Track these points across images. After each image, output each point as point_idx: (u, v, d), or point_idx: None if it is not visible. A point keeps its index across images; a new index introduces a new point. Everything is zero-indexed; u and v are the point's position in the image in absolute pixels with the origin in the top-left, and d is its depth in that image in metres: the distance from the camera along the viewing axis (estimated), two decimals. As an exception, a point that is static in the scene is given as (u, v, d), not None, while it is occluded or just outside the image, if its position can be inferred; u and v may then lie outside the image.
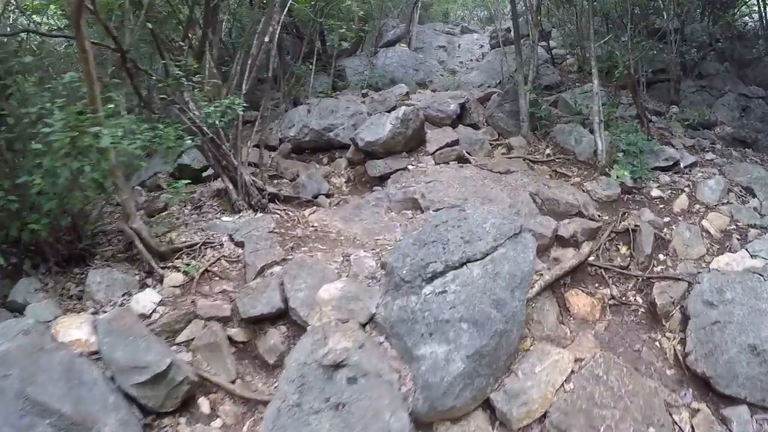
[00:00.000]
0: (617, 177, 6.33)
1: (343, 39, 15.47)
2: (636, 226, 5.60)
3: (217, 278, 5.15)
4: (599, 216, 6.03)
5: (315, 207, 7.43)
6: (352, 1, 14.56)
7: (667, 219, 5.93)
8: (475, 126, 9.01)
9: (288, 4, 7.77)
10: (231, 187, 6.73)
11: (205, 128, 6.05)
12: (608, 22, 11.95)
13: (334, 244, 6.14)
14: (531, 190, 6.22)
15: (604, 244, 5.53)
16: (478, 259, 4.12)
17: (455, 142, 7.93)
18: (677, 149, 7.38)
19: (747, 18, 13.27)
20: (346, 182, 8.11)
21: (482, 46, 15.79)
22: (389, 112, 9.32)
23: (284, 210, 7.01)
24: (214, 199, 7.14)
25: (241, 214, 6.57)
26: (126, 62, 5.51)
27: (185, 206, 7.04)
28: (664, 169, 6.94)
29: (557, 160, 7.63)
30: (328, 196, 7.71)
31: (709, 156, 7.43)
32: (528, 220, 5.64)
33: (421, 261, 4.21)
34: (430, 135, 8.09)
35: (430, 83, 13.62)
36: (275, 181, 8.33)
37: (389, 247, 5.80)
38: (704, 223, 5.82)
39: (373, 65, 14.37)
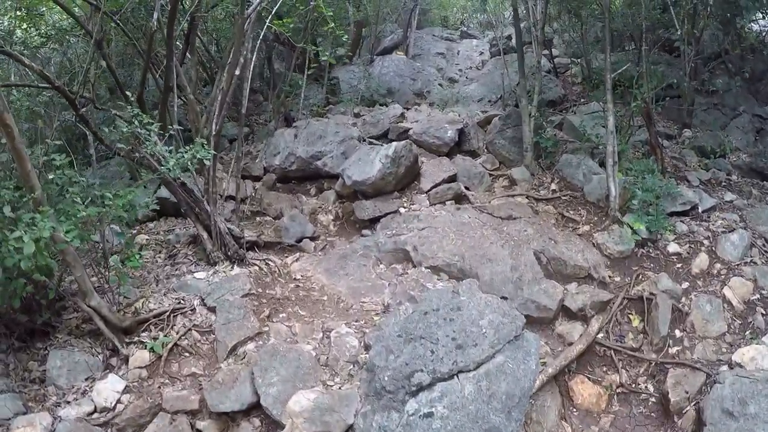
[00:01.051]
0: (632, 230, 5.55)
1: (340, 45, 14.69)
2: (652, 294, 4.83)
3: (186, 354, 4.58)
4: (610, 277, 5.25)
5: (299, 253, 6.70)
6: (349, 6, 13.72)
7: (685, 285, 5.09)
8: (474, 153, 8.19)
9: (265, 30, 6.89)
10: (205, 236, 5.97)
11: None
12: (613, 35, 11.06)
13: (316, 308, 5.43)
14: (535, 246, 5.41)
15: (616, 315, 4.79)
16: (471, 370, 3.37)
17: (452, 178, 7.12)
18: (694, 189, 6.55)
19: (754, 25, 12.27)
20: (334, 220, 7.35)
21: (482, 52, 14.84)
22: (381, 137, 8.60)
23: (264, 260, 6.32)
24: (189, 247, 6.41)
25: (216, 267, 5.89)
26: (77, 111, 4.77)
27: (160, 253, 6.39)
28: (681, 214, 6.15)
29: (564, 198, 6.83)
30: (313, 239, 6.97)
31: (728, 196, 6.60)
32: (531, 287, 4.88)
33: (405, 366, 3.46)
34: (426, 167, 7.28)
35: (428, 94, 12.77)
36: (258, 219, 7.61)
37: (376, 316, 5.11)
38: (726, 291, 5.00)
39: (369, 75, 13.52)
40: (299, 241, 6.92)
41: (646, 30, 8.94)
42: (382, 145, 7.16)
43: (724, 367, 4.30)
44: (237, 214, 6.82)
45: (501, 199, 6.77)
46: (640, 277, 5.19)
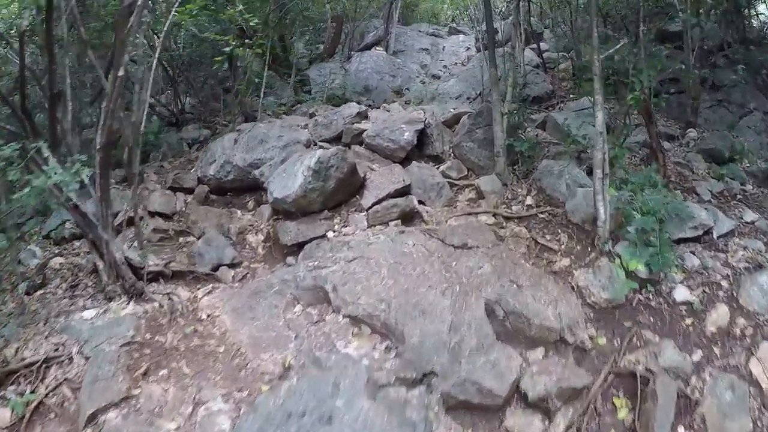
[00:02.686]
0: (626, 271, 3.86)
1: (317, 43, 13.04)
2: (648, 372, 3.15)
3: (52, 415, 3.56)
4: (592, 340, 3.54)
5: (213, 284, 5.13)
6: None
7: (697, 355, 3.37)
8: (437, 159, 6.51)
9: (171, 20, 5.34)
10: (101, 266, 4.65)
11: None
12: (608, 23, 9.26)
13: (205, 363, 4.00)
14: (490, 293, 3.66)
15: (594, 403, 3.13)
16: None
17: (404, 190, 5.46)
18: (705, 205, 4.85)
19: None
20: (264, 241, 5.71)
21: (469, 48, 13.07)
22: (334, 141, 6.96)
23: (169, 294, 4.84)
24: (92, 276, 5.09)
25: (111, 304, 4.54)
26: None
27: (67, 280, 5.14)
28: (691, 240, 4.44)
29: (541, 216, 5.12)
30: (233, 266, 5.36)
31: (748, 216, 4.84)
32: (475, 360, 3.19)
33: None
34: (373, 177, 5.62)
35: (407, 91, 11.10)
36: (180, 240, 6.03)
37: (266, 385, 3.54)
38: (753, 365, 3.28)
39: (345, 72, 11.86)
40: (216, 269, 5.35)
41: (642, 17, 7.22)
42: (321, 149, 5.51)
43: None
44: (139, 240, 5.28)
45: (460, 219, 5.09)
46: (634, 339, 3.48)
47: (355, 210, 5.21)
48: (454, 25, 15.31)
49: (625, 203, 4.26)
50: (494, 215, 5.19)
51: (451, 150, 6.55)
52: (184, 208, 6.51)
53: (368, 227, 4.95)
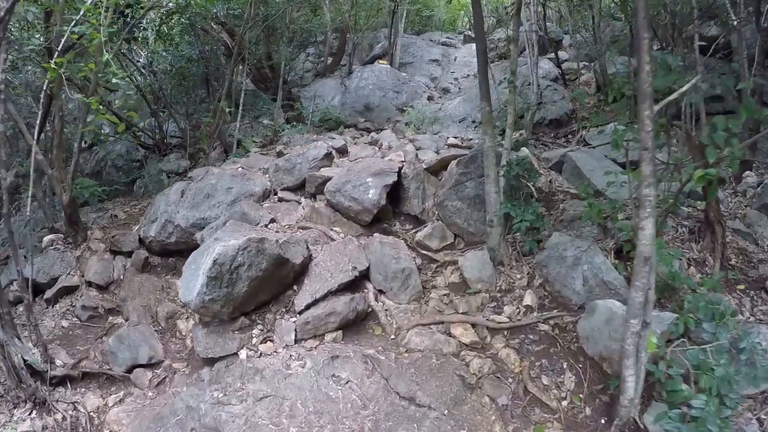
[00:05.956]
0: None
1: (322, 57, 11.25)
2: None
3: None
4: None
5: (125, 390, 3.72)
6: (325, 11, 10.24)
7: None
8: (417, 219, 4.71)
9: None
10: (3, 368, 3.57)
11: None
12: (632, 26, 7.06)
13: None
14: None
15: None
16: None
17: (361, 276, 3.76)
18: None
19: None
20: (200, 325, 4.19)
21: (481, 58, 11.03)
22: (296, 190, 5.29)
23: (74, 403, 3.69)
24: None
25: (15, 411, 3.54)
26: None
27: None
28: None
29: (542, 328, 3.27)
30: (151, 365, 3.90)
31: None
32: None
33: None
34: (320, 257, 3.86)
35: (410, 110, 9.26)
36: (109, 320, 4.61)
37: None
38: None
39: (345, 89, 10.10)
40: (130, 370, 3.89)
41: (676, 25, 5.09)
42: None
43: None
44: (39, 340, 3.86)
45: (425, 332, 3.31)
46: None
47: (286, 310, 3.53)
48: (470, 33, 13.16)
49: (670, 360, 2.38)
50: (473, 325, 3.39)
51: (434, 207, 4.74)
52: (122, 276, 5.06)
53: (295, 342, 3.27)
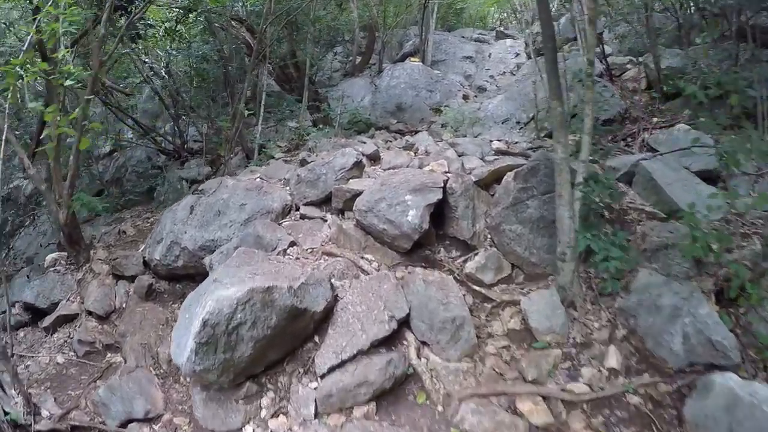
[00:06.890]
0: None
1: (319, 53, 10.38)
2: None
3: None
4: None
5: None
6: (353, 7, 9.40)
7: None
8: (466, 245, 3.82)
9: None
10: None
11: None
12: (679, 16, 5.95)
13: None
14: None
15: None
16: None
17: (399, 325, 2.91)
18: None
19: None
20: (198, 386, 3.43)
21: (518, 54, 9.89)
22: (322, 204, 4.46)
23: None
24: None
25: None
26: None
27: None
28: None
29: (633, 401, 2.38)
30: (149, 420, 3.15)
31: None
32: None
33: None
34: (347, 299, 3.07)
35: (446, 109, 8.30)
36: (107, 359, 3.91)
37: None
38: None
39: (375, 88, 9.24)
40: (125, 424, 3.16)
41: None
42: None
43: None
44: (20, 387, 3.17)
45: (482, 408, 2.43)
46: None
47: (305, 371, 2.69)
48: (502, 28, 12.08)
49: None
50: (544, 398, 2.48)
51: (487, 230, 3.82)
52: (124, 304, 4.36)
53: (315, 417, 2.43)
